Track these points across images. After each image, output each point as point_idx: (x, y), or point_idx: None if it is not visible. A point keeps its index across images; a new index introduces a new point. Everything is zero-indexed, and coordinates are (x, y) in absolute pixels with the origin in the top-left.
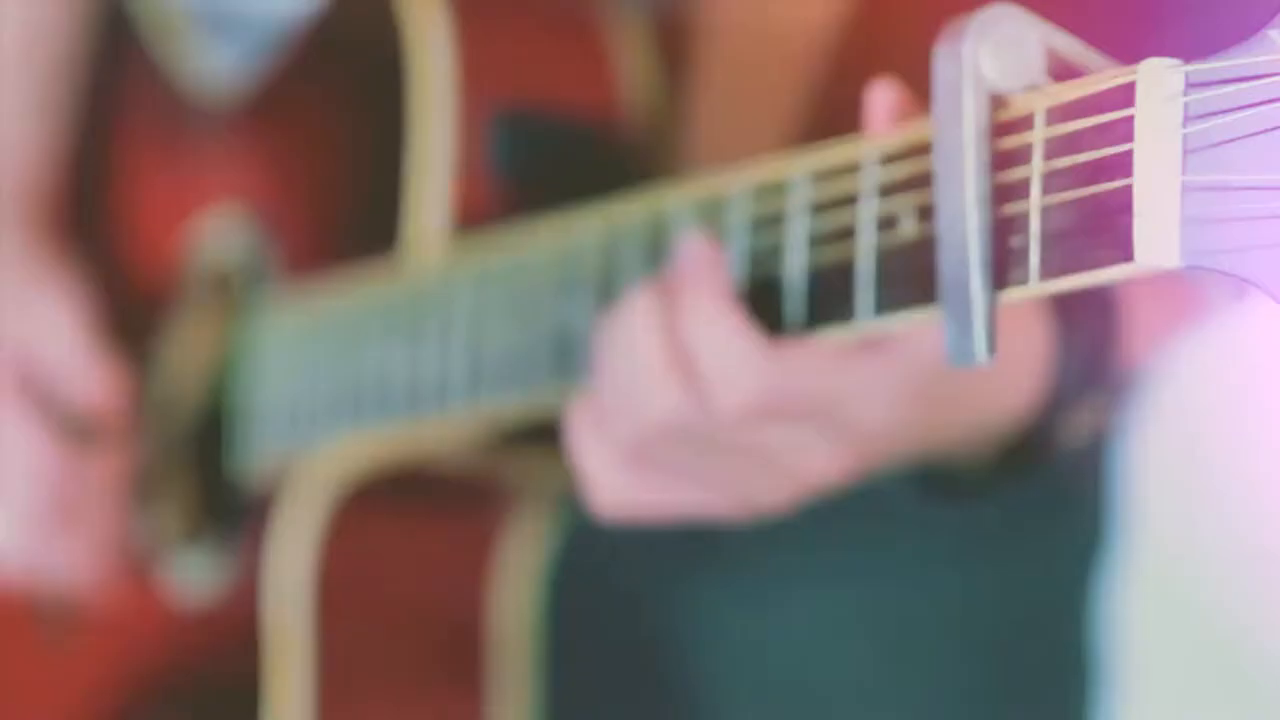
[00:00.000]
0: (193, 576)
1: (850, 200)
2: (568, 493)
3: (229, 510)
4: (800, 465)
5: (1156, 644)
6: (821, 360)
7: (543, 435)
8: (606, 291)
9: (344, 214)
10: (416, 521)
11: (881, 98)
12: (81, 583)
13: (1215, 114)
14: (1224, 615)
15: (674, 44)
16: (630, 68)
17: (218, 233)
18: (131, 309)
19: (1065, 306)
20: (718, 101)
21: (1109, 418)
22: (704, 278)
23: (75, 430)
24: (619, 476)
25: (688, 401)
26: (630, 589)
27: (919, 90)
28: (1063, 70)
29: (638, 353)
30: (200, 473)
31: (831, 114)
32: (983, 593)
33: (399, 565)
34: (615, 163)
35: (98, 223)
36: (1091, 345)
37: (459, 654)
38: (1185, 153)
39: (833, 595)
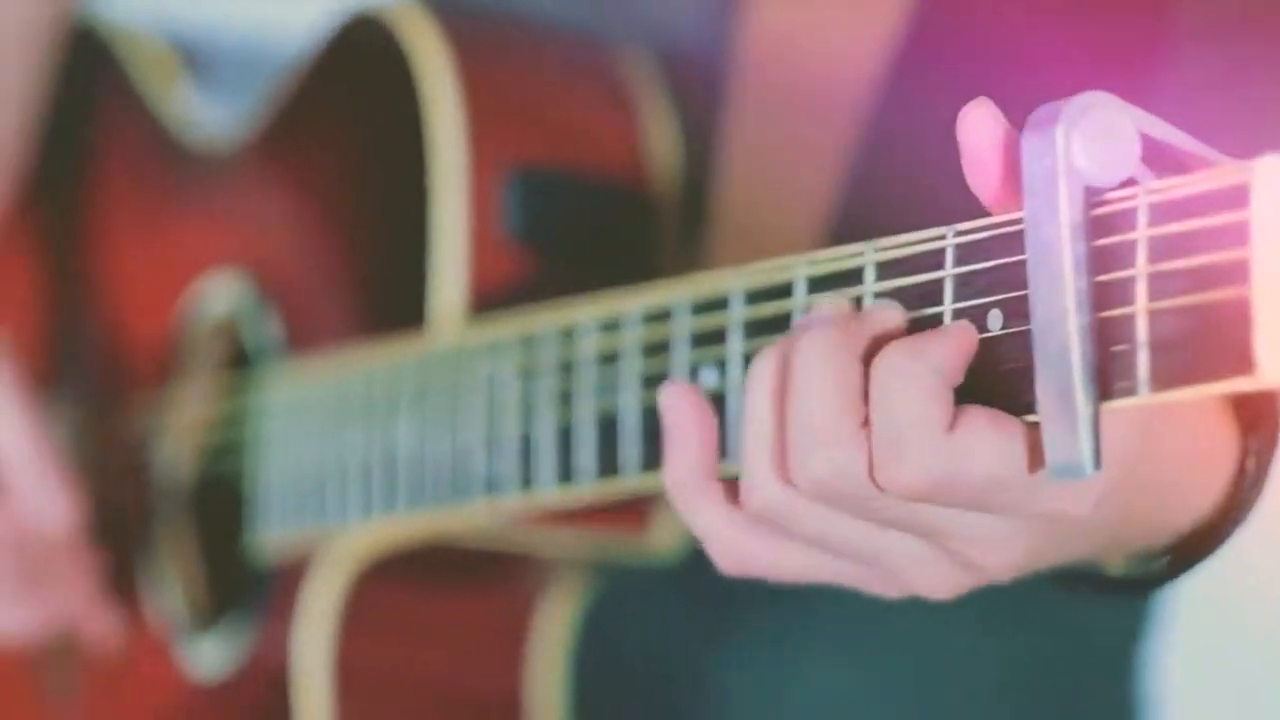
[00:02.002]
0: (207, 655)
1: (927, 296)
2: (594, 564)
3: (242, 585)
4: (973, 555)
5: (1207, 701)
6: (1010, 447)
7: None
8: (653, 377)
9: (346, 276)
10: (445, 596)
11: (981, 117)
12: (80, 629)
13: None
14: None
15: (702, 95)
16: (653, 122)
17: (216, 295)
18: (122, 379)
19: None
20: (754, 154)
21: None
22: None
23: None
24: (741, 536)
25: (859, 463)
26: (651, 660)
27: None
28: (1160, 160)
29: (817, 399)
30: (208, 545)
31: (875, 165)
32: (1021, 659)
33: (428, 643)
34: (640, 222)
35: (80, 285)
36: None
37: None
38: None
39: (859, 663)
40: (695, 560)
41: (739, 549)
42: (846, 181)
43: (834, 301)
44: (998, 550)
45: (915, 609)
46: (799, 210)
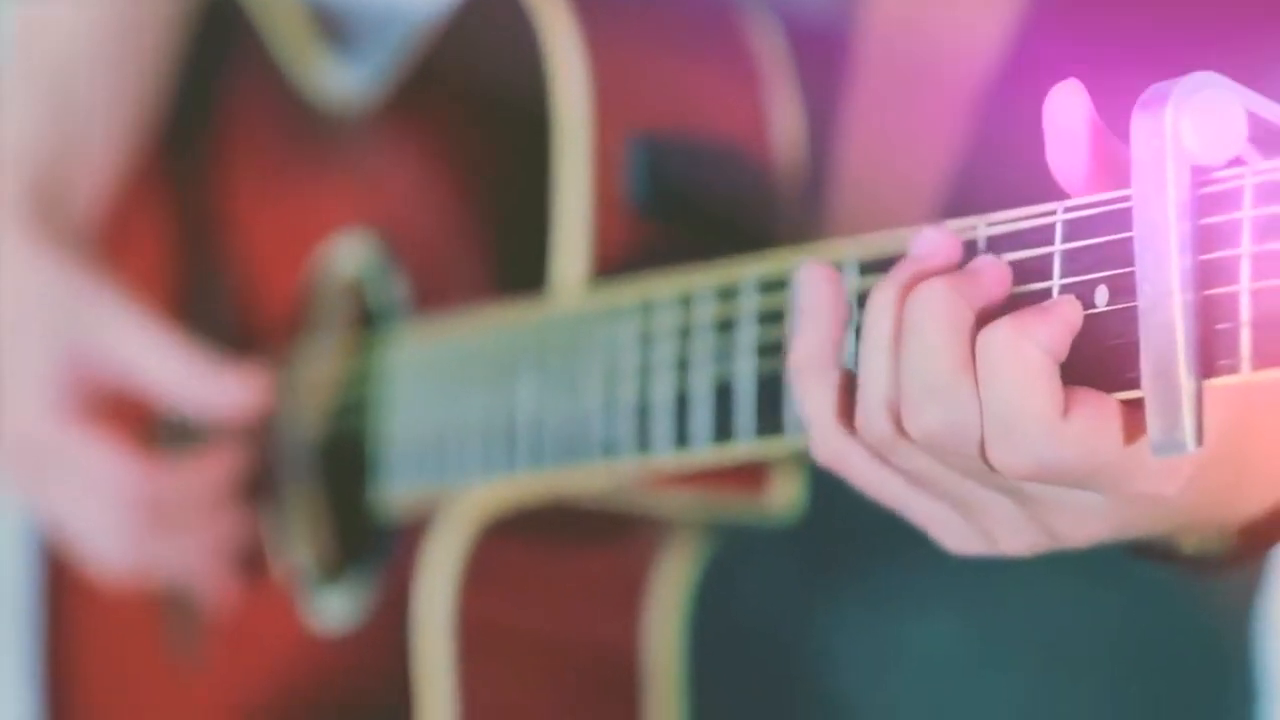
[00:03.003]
0: (331, 608)
1: (1036, 271)
2: (712, 524)
3: (366, 540)
4: (1062, 525)
5: None
6: (1113, 428)
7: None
8: (768, 346)
9: (473, 240)
10: (565, 554)
11: (1072, 100)
12: (200, 584)
13: None
14: None
15: (824, 68)
16: (778, 91)
17: (345, 256)
18: (254, 337)
19: None
20: (873, 129)
21: None
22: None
23: (167, 432)
24: (842, 440)
25: (974, 424)
26: (766, 619)
27: None
28: (1267, 139)
29: (933, 354)
30: (333, 501)
31: (990, 144)
32: (1134, 620)
33: (547, 598)
34: (761, 191)
35: (212, 245)
36: None
37: (613, 686)
38: None
39: (970, 623)
40: (810, 520)
41: (837, 448)
42: (962, 159)
43: (943, 233)
44: (1086, 523)
45: (1027, 568)
46: (914, 185)
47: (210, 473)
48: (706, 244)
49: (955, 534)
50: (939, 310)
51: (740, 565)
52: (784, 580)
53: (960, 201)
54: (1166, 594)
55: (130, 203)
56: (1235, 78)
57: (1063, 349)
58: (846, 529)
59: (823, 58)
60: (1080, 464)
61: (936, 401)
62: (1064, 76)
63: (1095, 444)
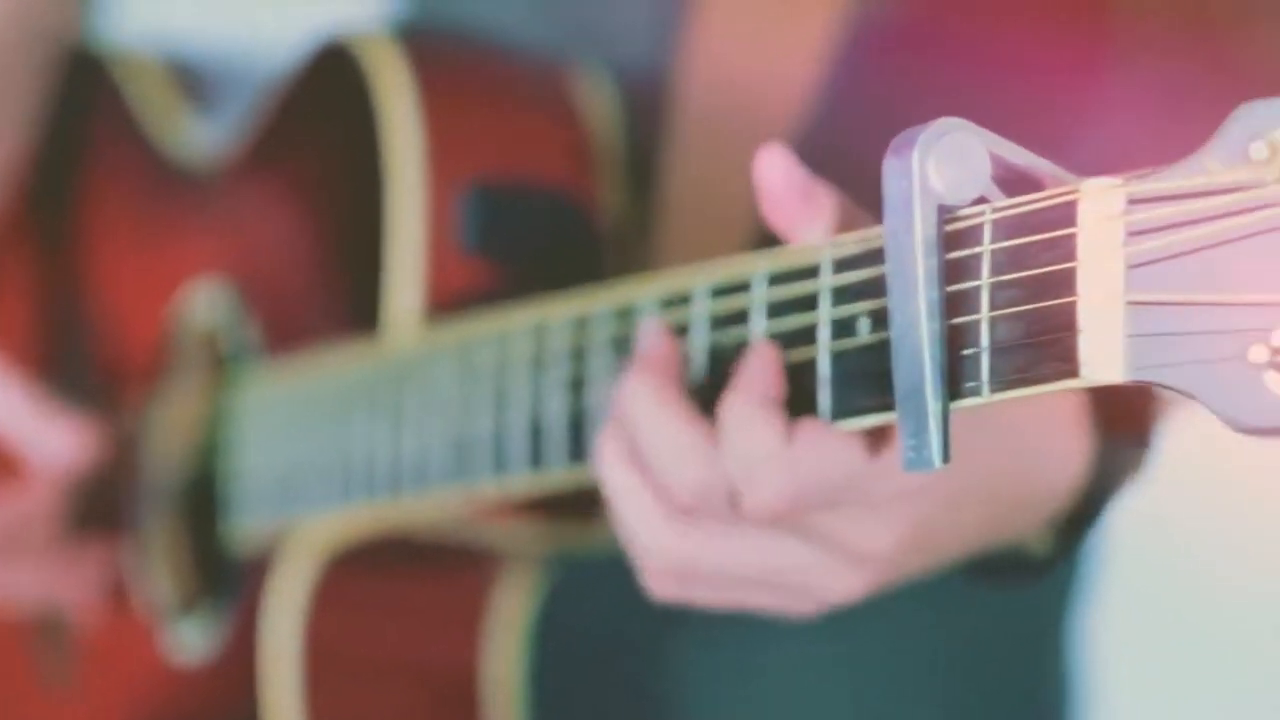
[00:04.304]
0: (189, 639)
1: (807, 303)
2: (550, 553)
3: (221, 574)
4: (859, 544)
5: (1136, 668)
6: (842, 447)
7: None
8: (577, 381)
9: (321, 287)
10: (406, 583)
11: (770, 164)
12: (60, 611)
13: (1155, 231)
14: (1203, 634)
15: (646, 115)
16: (602, 139)
17: (201, 303)
18: (114, 382)
19: (1103, 400)
20: (691, 169)
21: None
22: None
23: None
24: (664, 530)
25: (721, 477)
26: (610, 643)
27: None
28: (1010, 178)
29: (664, 430)
30: (192, 537)
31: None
32: (962, 631)
33: (389, 626)
34: (586, 234)
35: (76, 295)
36: (1127, 439)
37: (456, 708)
38: (1127, 269)
39: (812, 643)
40: None
41: (669, 547)
42: None
43: (657, 325)
44: (876, 534)
45: None
46: (730, 223)
47: (31, 506)
48: (534, 283)
49: (791, 603)
50: (638, 389)
51: (586, 587)
52: (629, 600)
53: (774, 236)
54: (980, 609)
55: None
56: (1030, 116)
57: (775, 389)
58: None
59: (647, 102)
60: (819, 482)
61: (686, 460)
62: (871, 117)
63: (825, 461)
